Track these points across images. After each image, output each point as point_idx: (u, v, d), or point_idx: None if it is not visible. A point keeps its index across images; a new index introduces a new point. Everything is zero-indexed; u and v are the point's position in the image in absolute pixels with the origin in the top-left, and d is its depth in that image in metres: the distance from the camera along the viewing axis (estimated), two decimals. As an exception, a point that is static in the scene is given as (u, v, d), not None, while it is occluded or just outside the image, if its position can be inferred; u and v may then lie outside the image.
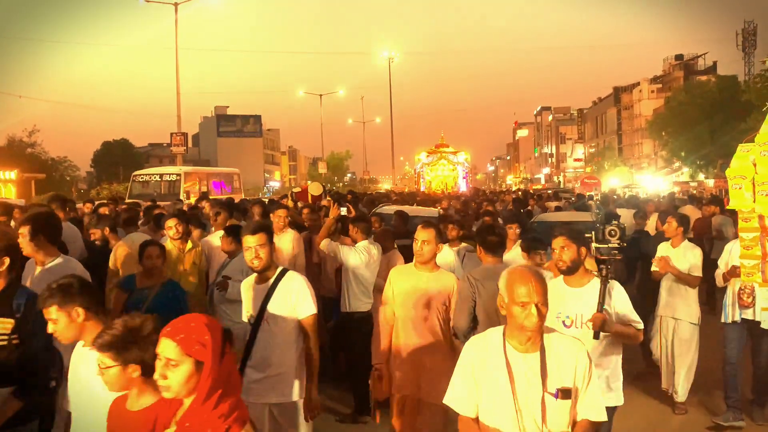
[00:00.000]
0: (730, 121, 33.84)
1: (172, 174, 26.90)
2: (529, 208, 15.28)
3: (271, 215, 7.54)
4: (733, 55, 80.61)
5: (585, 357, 2.74)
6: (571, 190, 37.40)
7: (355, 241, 6.28)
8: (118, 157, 57.64)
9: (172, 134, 33.26)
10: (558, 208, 15.04)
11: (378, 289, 6.03)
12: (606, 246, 3.98)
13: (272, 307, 4.02)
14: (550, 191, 29.26)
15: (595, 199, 19.75)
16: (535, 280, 2.68)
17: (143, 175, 27.75)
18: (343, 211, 6.67)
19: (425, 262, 4.60)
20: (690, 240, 6.93)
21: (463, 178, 35.66)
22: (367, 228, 6.38)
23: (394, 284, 4.65)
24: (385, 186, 62.38)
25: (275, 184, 77.67)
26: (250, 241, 4.00)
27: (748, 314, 5.95)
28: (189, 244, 6.54)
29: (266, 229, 4.11)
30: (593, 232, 4.12)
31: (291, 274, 4.14)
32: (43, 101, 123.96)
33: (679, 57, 64.27)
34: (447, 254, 6.34)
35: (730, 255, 6.06)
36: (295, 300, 4.04)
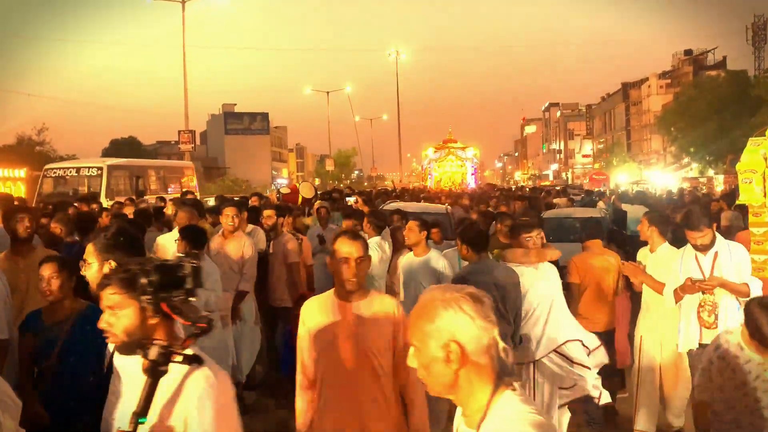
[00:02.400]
0: (740, 117, 33.59)
1: (92, 168, 22.14)
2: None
3: (221, 216, 6.52)
4: (743, 50, 79.96)
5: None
6: (580, 186, 37.27)
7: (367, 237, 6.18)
8: (126, 155, 57.65)
9: (179, 132, 33.34)
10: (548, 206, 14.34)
11: (388, 290, 6.05)
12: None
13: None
14: (557, 188, 29.12)
15: (608, 195, 19.65)
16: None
17: (57, 169, 22.65)
18: (351, 200, 6.67)
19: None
20: None
21: (472, 174, 35.38)
22: (380, 224, 6.41)
23: (308, 322, 3.19)
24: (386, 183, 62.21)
25: (283, 181, 77.73)
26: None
27: (710, 338, 4.36)
28: None
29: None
30: None
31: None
32: (51, 99, 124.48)
33: (688, 52, 63.85)
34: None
35: (683, 267, 4.82)
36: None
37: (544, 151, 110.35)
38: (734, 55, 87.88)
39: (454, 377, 1.70)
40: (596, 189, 27.57)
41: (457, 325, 1.68)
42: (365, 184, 56.41)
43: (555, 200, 16.95)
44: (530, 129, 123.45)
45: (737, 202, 6.45)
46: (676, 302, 4.81)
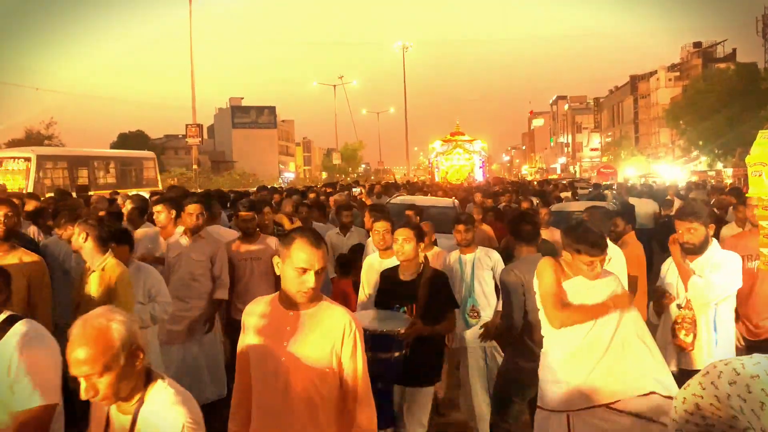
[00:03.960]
0: (750, 109, 33.39)
1: (19, 159, 18.99)
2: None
3: (183, 214, 5.73)
4: (752, 42, 79.33)
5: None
6: (588, 179, 37.08)
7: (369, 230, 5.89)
8: (133, 149, 57.96)
9: (187, 126, 33.45)
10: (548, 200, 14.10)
11: None
12: None
13: None
14: (565, 182, 28.97)
15: (613, 188, 19.59)
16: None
17: None
18: (356, 191, 6.50)
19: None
20: None
21: (480, 167, 35.09)
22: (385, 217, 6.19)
23: (247, 329, 2.79)
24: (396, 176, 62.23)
25: (290, 175, 77.81)
26: None
27: (689, 362, 3.97)
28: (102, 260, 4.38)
29: None
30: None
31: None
32: (60, 94, 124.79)
33: (697, 44, 63.41)
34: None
35: (665, 277, 4.29)
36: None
37: (552, 144, 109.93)
38: (744, 47, 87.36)
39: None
40: (604, 183, 27.42)
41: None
42: (372, 177, 56.30)
43: (561, 194, 16.94)
44: (538, 122, 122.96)
45: (747, 195, 6.36)
46: (659, 317, 4.29)
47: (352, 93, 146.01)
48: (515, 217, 4.83)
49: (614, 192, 17.84)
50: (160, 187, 24.28)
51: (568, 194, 17.21)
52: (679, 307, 4.08)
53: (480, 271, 5.35)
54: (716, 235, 4.32)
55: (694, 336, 3.97)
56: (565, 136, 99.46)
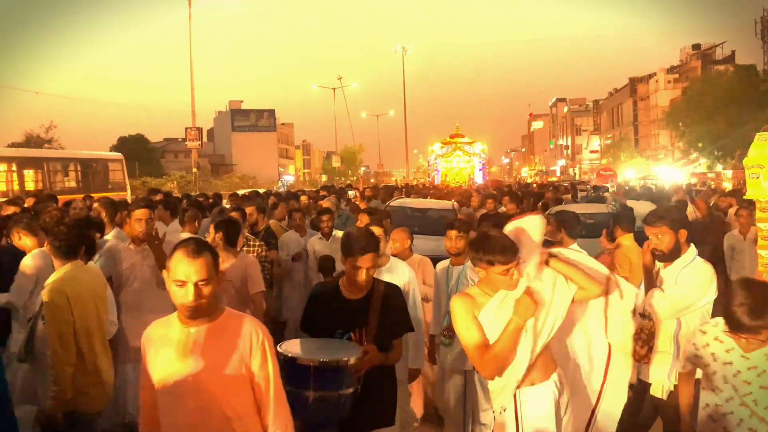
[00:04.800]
0: (749, 111, 33.37)
1: None
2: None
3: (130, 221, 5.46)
4: (751, 44, 79.38)
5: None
6: (587, 182, 37.08)
7: None
8: (133, 153, 57.88)
9: (186, 129, 33.46)
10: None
11: None
12: None
13: None
14: (566, 183, 28.97)
15: (611, 191, 19.59)
16: None
17: None
18: (351, 193, 6.43)
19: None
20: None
21: (480, 170, 35.04)
22: (379, 221, 5.85)
23: (147, 352, 2.63)
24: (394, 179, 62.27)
25: (289, 178, 77.83)
26: None
27: (646, 374, 3.95)
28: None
29: None
30: None
31: None
32: (59, 97, 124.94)
33: (696, 46, 63.44)
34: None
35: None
36: None
37: (552, 146, 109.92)
38: (743, 49, 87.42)
39: None
40: (603, 185, 27.46)
41: None
42: (372, 180, 56.36)
43: (562, 196, 16.96)
44: (537, 124, 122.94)
45: (745, 197, 6.37)
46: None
47: (352, 96, 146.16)
48: (485, 220, 4.79)
49: (613, 194, 17.86)
50: (128, 192, 22.69)
51: (568, 196, 17.23)
52: (642, 316, 3.95)
53: (465, 287, 4.44)
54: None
55: (650, 348, 3.85)
56: (565, 138, 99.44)
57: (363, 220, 6.11)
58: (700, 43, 63.44)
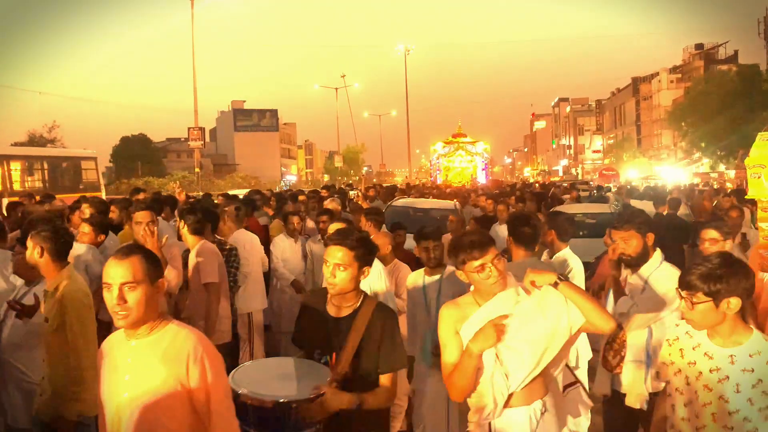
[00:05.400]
0: (752, 111, 33.36)
1: None
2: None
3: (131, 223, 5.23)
4: (754, 44, 79.28)
5: None
6: (590, 181, 37.04)
7: None
8: (136, 152, 58.13)
9: (189, 129, 33.45)
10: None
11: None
12: None
13: None
14: (566, 184, 28.95)
15: (613, 190, 19.60)
16: None
17: None
18: (352, 193, 6.29)
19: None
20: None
21: (483, 169, 34.96)
22: (380, 219, 5.85)
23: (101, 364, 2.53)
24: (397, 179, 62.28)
25: (292, 178, 77.89)
26: None
27: (619, 384, 3.78)
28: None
29: None
30: None
31: None
32: (62, 97, 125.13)
33: (699, 46, 63.37)
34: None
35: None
36: None
37: (554, 146, 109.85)
38: (746, 49, 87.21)
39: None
40: (606, 185, 27.45)
41: None
42: (374, 180, 56.37)
43: (564, 196, 16.98)
44: (540, 124, 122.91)
45: (746, 197, 6.36)
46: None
47: (354, 96, 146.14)
48: (516, 219, 4.39)
49: (615, 194, 17.88)
50: (103, 193, 21.37)
51: (571, 196, 17.24)
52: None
53: (448, 298, 3.66)
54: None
55: (621, 358, 3.68)
56: (567, 138, 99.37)
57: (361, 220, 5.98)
58: (703, 43, 63.41)
